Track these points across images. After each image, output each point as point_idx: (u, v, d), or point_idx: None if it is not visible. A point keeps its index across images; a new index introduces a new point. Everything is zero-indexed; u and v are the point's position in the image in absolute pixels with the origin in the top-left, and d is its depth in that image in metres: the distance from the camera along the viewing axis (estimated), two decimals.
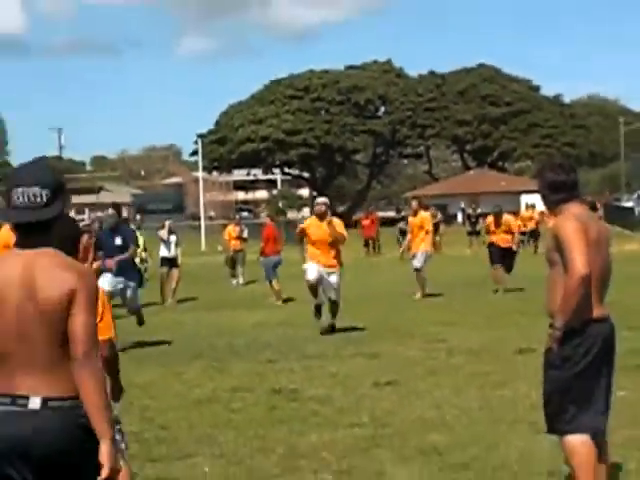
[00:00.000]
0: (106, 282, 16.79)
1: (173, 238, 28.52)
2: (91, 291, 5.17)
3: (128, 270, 18.24)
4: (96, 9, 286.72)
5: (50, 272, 5.10)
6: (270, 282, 27.18)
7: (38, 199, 5.18)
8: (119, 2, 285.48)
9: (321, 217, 18.59)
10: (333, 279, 18.61)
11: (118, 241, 17.67)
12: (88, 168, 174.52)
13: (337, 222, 18.80)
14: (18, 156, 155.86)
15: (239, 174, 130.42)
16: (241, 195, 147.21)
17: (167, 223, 29.12)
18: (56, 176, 5.39)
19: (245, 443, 10.42)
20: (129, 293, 18.23)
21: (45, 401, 5.01)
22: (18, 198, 5.20)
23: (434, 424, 11.02)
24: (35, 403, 5.01)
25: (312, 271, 18.38)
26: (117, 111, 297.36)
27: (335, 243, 18.49)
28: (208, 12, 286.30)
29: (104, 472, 4.94)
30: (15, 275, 5.13)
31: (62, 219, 5.36)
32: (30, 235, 5.23)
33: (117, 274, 17.70)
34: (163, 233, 28.50)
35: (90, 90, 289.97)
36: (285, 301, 25.93)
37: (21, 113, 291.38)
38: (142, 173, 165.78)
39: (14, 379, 5.08)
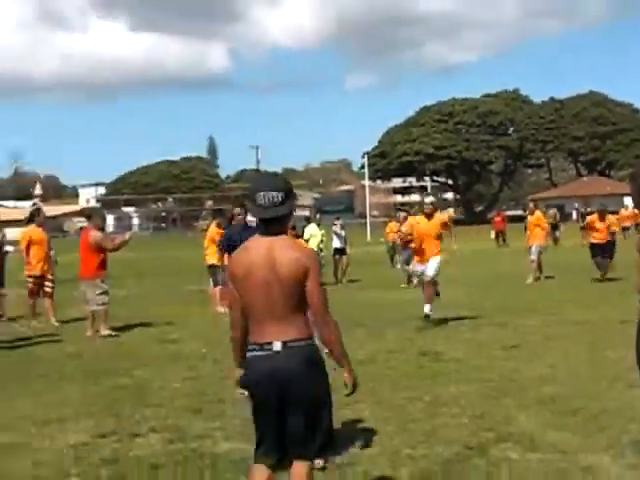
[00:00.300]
0: None
1: (343, 232, 28.71)
2: (318, 266, 5.76)
3: None
4: (287, 52, 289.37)
5: (286, 252, 5.69)
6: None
7: (275, 199, 5.71)
8: (303, 46, 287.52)
9: (429, 216, 16.89)
10: (432, 263, 16.85)
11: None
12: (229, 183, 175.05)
13: (442, 217, 17.45)
14: (226, 168, 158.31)
15: (397, 181, 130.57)
16: (399, 198, 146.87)
17: (338, 222, 29.30)
18: (287, 183, 5.94)
19: (398, 393, 10.48)
20: None
21: (285, 343, 5.62)
22: (262, 200, 5.73)
23: (549, 379, 10.93)
24: (277, 346, 5.62)
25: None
26: (301, 132, 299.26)
27: (439, 236, 16.88)
28: (372, 52, 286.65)
29: (350, 388, 6.02)
30: (261, 254, 5.70)
31: (292, 215, 5.96)
32: (270, 226, 5.78)
33: None
34: (336, 228, 28.71)
35: (280, 116, 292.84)
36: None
37: (227, 134, 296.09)
38: (321, 181, 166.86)
39: (262, 330, 5.71)
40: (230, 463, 7.90)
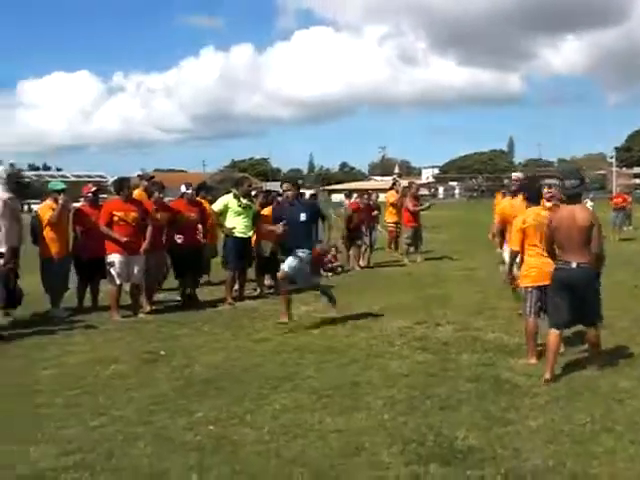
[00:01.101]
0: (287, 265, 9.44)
1: (592, 204, 26.80)
2: (598, 221, 6.61)
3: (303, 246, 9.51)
4: (563, 77, 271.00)
5: (582, 213, 6.62)
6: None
7: (575, 184, 6.70)
8: (575, 73, 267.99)
9: (514, 193, 9.83)
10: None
11: (303, 217, 9.47)
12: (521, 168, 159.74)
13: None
14: (518, 157, 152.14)
15: (637, 169, 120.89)
16: (637, 180, 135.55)
17: (588, 198, 27.34)
18: (581, 175, 6.92)
19: None
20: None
21: (578, 264, 6.55)
22: (568, 184, 6.71)
23: None
24: (574, 265, 6.57)
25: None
26: (572, 133, 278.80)
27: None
28: (623, 78, 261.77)
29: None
30: (568, 213, 6.65)
31: (583, 193, 6.92)
32: (572, 199, 6.71)
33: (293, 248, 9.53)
34: (587, 202, 26.97)
35: (558, 122, 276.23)
36: None
37: (521, 135, 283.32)
38: (584, 168, 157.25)
39: (566, 255, 6.64)
40: (493, 346, 8.01)
